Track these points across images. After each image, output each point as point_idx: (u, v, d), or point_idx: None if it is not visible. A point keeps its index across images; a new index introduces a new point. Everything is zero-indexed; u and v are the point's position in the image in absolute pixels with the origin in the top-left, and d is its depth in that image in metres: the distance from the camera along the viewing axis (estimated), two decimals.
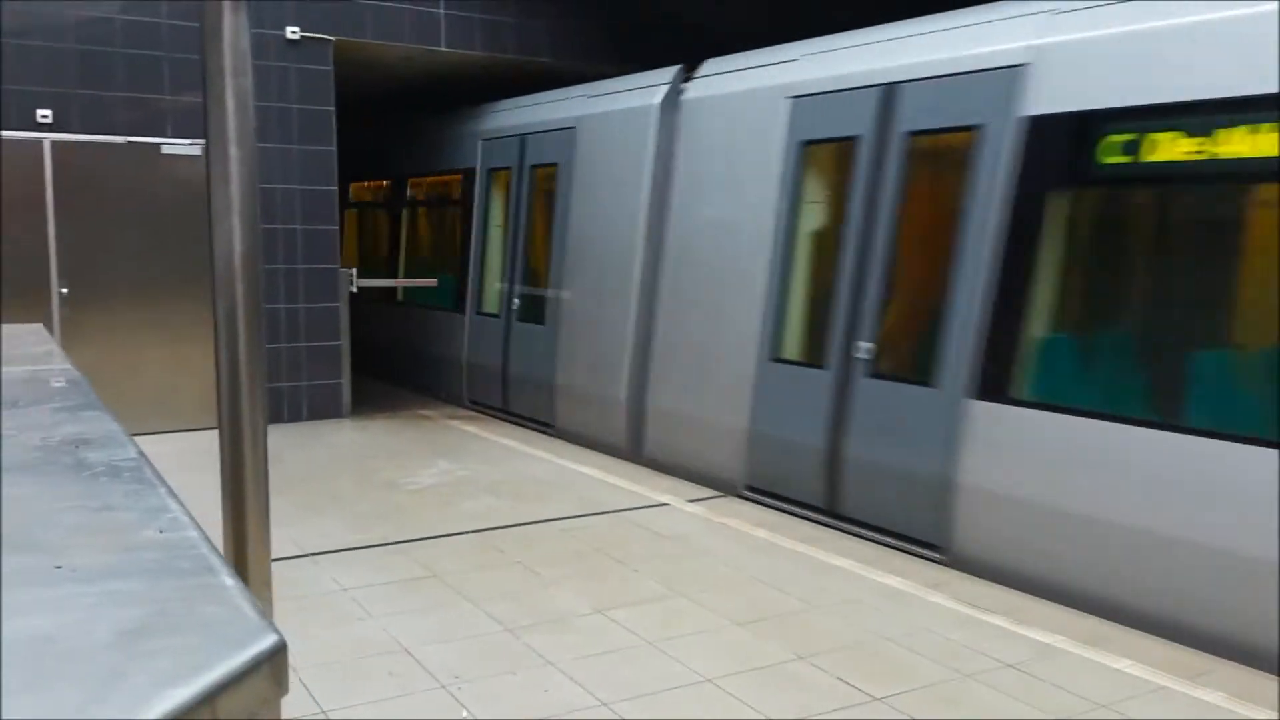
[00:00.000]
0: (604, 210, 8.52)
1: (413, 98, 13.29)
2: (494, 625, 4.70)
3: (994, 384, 5.43)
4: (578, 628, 4.69)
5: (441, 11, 9.73)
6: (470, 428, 9.40)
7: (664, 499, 6.92)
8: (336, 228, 9.66)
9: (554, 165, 9.23)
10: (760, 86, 7.13)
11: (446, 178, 11.34)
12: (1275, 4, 4.43)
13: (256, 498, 2.75)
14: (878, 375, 6.14)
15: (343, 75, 10.42)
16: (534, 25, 10.18)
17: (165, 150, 8.75)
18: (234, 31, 2.61)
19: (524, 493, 7.06)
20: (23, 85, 8.23)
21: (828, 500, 6.45)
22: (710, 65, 7.83)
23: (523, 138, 9.81)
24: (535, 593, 5.13)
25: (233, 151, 2.59)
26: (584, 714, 3.86)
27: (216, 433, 2.45)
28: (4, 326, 3.61)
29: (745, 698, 4.00)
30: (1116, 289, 5.17)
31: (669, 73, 8.10)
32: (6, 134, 8.20)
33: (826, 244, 6.65)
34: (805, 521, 6.36)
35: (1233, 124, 4.55)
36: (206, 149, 2.41)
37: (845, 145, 6.48)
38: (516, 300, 9.76)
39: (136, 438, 7.17)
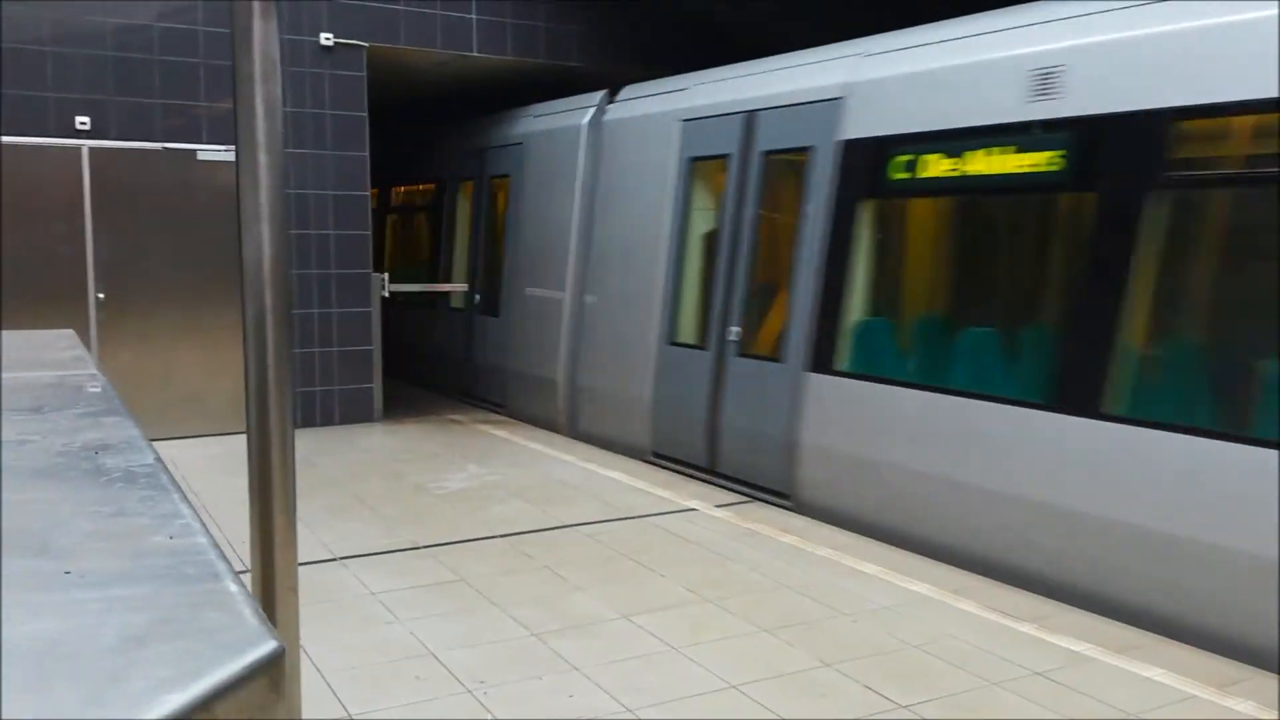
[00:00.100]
0: (545, 216, 9.71)
1: (449, 103, 13.38)
2: (520, 630, 4.72)
3: (822, 358, 6.62)
4: (603, 633, 4.70)
5: (473, 17, 9.80)
6: (500, 432, 9.44)
7: (691, 504, 6.91)
8: (369, 233, 9.74)
9: (507, 176, 10.53)
10: (661, 110, 8.39)
11: (433, 185, 12.55)
12: (1003, 54, 5.72)
13: (284, 501, 2.78)
14: (743, 354, 7.33)
15: (377, 80, 10.51)
16: (564, 29, 10.22)
17: (201, 156, 8.86)
18: (263, 38, 2.63)
19: (552, 497, 7.08)
20: (62, 92, 8.37)
21: (709, 461, 7.60)
22: (627, 91, 9.10)
23: (482, 151, 11.14)
24: (562, 597, 5.14)
25: (262, 158, 2.61)
26: None
27: None
28: (35, 332, 3.67)
29: (770, 705, 3.99)
30: (905, 280, 6.63)
31: (596, 97, 9.34)
32: (46, 141, 8.34)
33: (709, 244, 7.91)
34: (713, 488, 7.12)
35: (976, 147, 5.79)
36: (236, 155, 2.44)
37: (720, 162, 7.73)
38: (477, 296, 10.99)
39: (171, 441, 7.27)
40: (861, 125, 6.48)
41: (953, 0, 7.07)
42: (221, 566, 1.09)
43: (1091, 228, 5.24)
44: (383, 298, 9.96)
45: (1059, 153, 5.39)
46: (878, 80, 6.43)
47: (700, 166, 7.95)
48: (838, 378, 6.48)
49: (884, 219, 6.56)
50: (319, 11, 9.25)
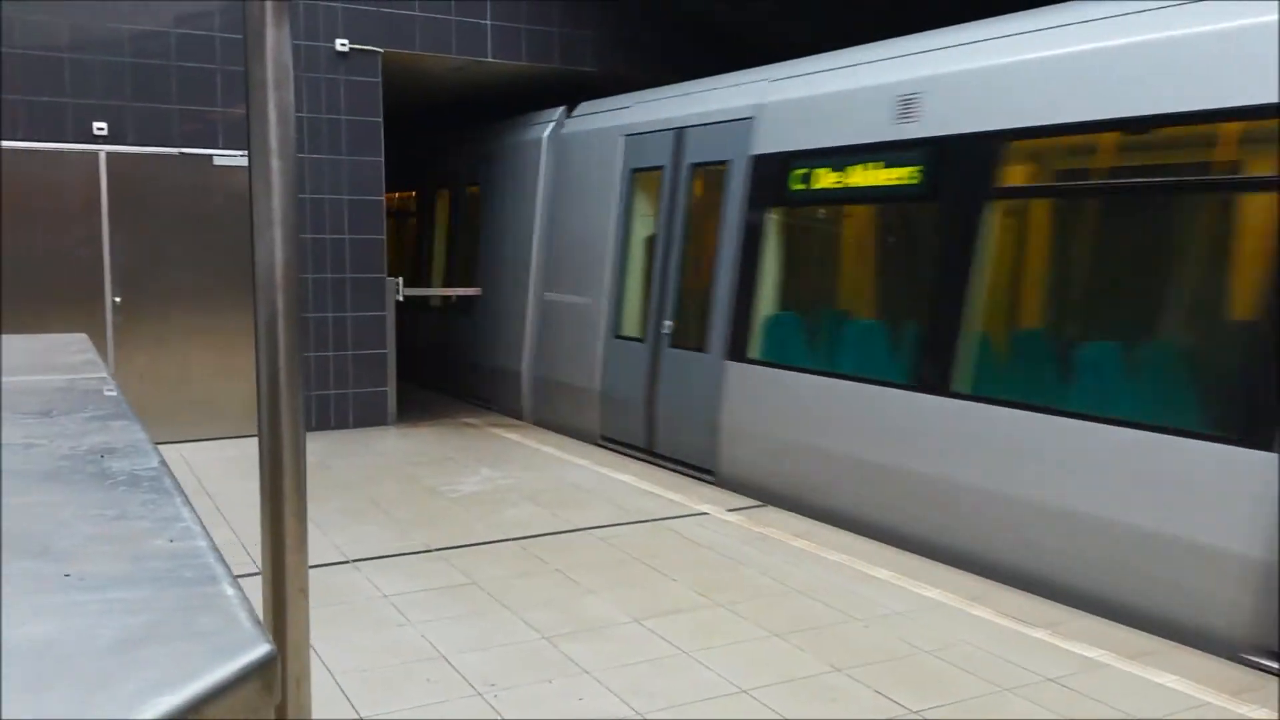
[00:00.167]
0: (511, 221, 10.60)
1: (462, 109, 13.43)
2: (531, 633, 4.73)
3: (738, 348, 7.50)
4: (614, 636, 4.70)
5: (488, 22, 9.83)
6: (513, 435, 9.46)
7: (703, 508, 6.91)
8: (383, 237, 9.79)
9: (478, 185, 11.44)
10: (608, 126, 9.31)
11: (414, 193, 13.60)
12: (877, 81, 6.59)
13: (295, 504, 2.79)
14: (675, 346, 8.22)
15: (392, 85, 10.56)
16: (578, 34, 10.25)
17: (217, 161, 8.92)
18: (276, 45, 2.64)
19: (564, 500, 7.09)
20: (80, 99, 8.44)
21: (648, 442, 8.51)
22: (582, 107, 9.99)
23: (457, 162, 12.01)
24: (573, 601, 5.15)
25: (274, 163, 2.62)
26: None
27: None
28: (47, 336, 3.70)
29: (781, 709, 3.99)
30: (802, 279, 7.39)
31: (557, 112, 10.21)
32: (64, 146, 8.41)
33: (649, 246, 8.78)
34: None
35: (865, 163, 6.60)
36: (249, 160, 2.46)
37: (656, 173, 8.62)
38: (454, 297, 11.80)
39: (188, 444, 7.29)
40: (767, 142, 7.38)
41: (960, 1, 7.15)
42: (220, 570, 1.10)
43: (941, 233, 6.15)
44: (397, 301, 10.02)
45: (917, 168, 6.26)
46: (780, 102, 7.34)
47: (640, 177, 8.85)
48: (750, 365, 7.41)
49: (785, 225, 7.42)
50: (334, 17, 9.30)
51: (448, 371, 12.01)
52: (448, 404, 11.27)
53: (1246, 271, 4.82)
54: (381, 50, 9.49)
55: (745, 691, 4.14)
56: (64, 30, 8.35)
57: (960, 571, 5.63)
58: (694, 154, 8.16)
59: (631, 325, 8.84)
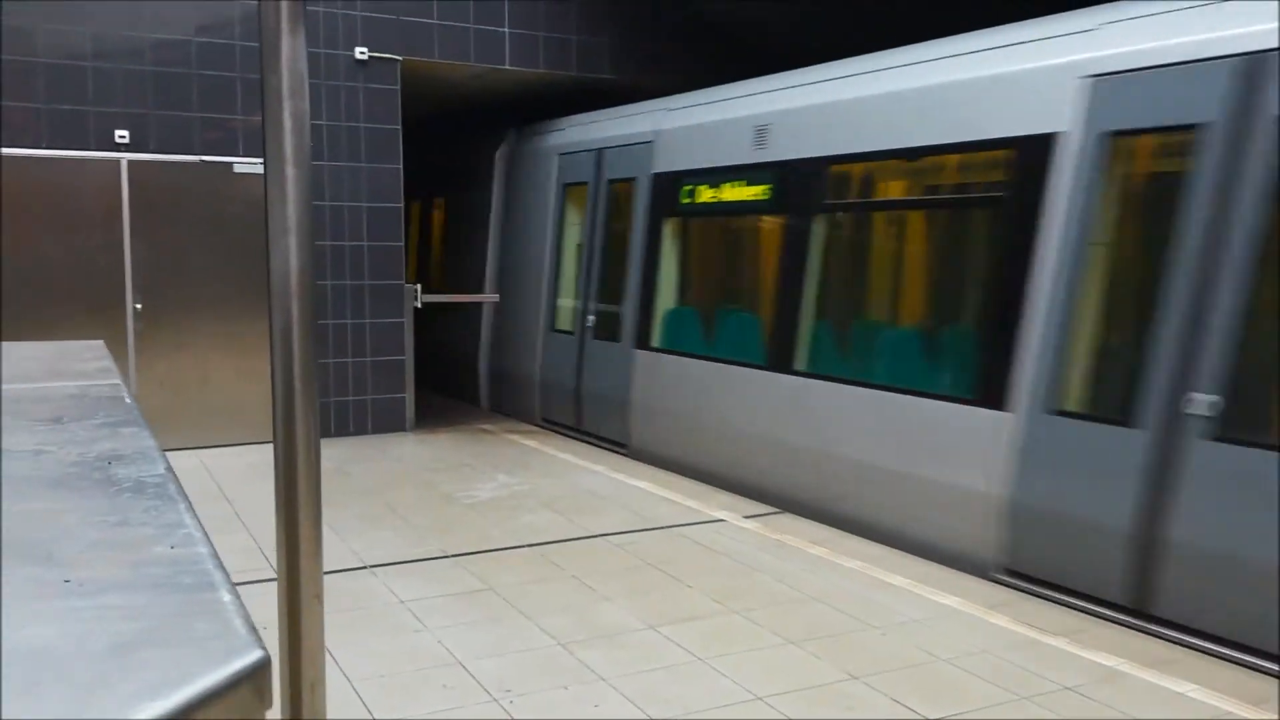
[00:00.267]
0: (472, 230, 11.92)
1: (479, 116, 13.48)
2: (547, 639, 4.73)
3: (643, 338, 8.86)
4: (630, 643, 4.70)
5: (506, 30, 9.87)
6: (530, 442, 9.47)
7: (719, 514, 6.90)
8: (402, 244, 9.83)
9: (444, 197, 12.88)
10: (546, 145, 10.63)
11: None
12: (742, 114, 7.88)
13: (310, 509, 2.80)
14: (597, 337, 9.53)
15: (410, 94, 10.62)
16: (596, 42, 10.28)
17: (237, 169, 8.99)
18: (291, 54, 2.65)
19: (581, 507, 7.10)
20: (101, 107, 8.52)
21: (576, 421, 9.86)
22: (530, 128, 11.17)
23: (428, 175, 13.34)
24: (589, 607, 5.15)
25: (290, 171, 2.64)
26: None
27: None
28: (64, 343, 3.73)
29: (796, 717, 3.97)
30: (688, 279, 8.70)
31: (513, 132, 11.41)
32: (86, 154, 8.49)
33: (578, 252, 10.09)
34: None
35: (732, 181, 7.92)
36: (264, 168, 2.48)
37: (583, 187, 9.92)
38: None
39: (208, 450, 7.32)
40: (662, 163, 8.74)
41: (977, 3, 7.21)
42: (218, 576, 1.10)
43: (785, 240, 7.41)
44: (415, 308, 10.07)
45: (769, 186, 7.55)
46: (671, 129, 8.73)
47: (571, 190, 10.18)
48: (651, 352, 8.76)
49: (676, 233, 8.73)
50: (354, 25, 9.36)
51: (420, 363, 12.88)
52: (465, 411, 11.31)
53: (985, 268, 6.00)
54: (400, 58, 9.54)
55: (761, 699, 4.12)
56: (86, 39, 8.43)
57: (979, 580, 5.60)
58: (611, 171, 9.49)
59: (564, 320, 10.18)
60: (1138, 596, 5.04)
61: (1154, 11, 5.27)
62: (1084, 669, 4.42)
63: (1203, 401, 4.79)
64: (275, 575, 2.96)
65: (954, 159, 6.20)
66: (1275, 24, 4.66)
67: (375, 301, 9.70)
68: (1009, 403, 5.66)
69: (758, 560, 5.93)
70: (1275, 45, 4.63)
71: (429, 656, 4.53)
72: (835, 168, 6.99)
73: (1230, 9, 4.90)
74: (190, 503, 1.45)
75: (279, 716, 2.37)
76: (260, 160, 8.95)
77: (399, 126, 9.67)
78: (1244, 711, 4.01)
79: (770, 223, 7.63)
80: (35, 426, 2.00)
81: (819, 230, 7.13)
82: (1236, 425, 4.69)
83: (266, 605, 4.93)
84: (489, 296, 11.28)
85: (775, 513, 6.99)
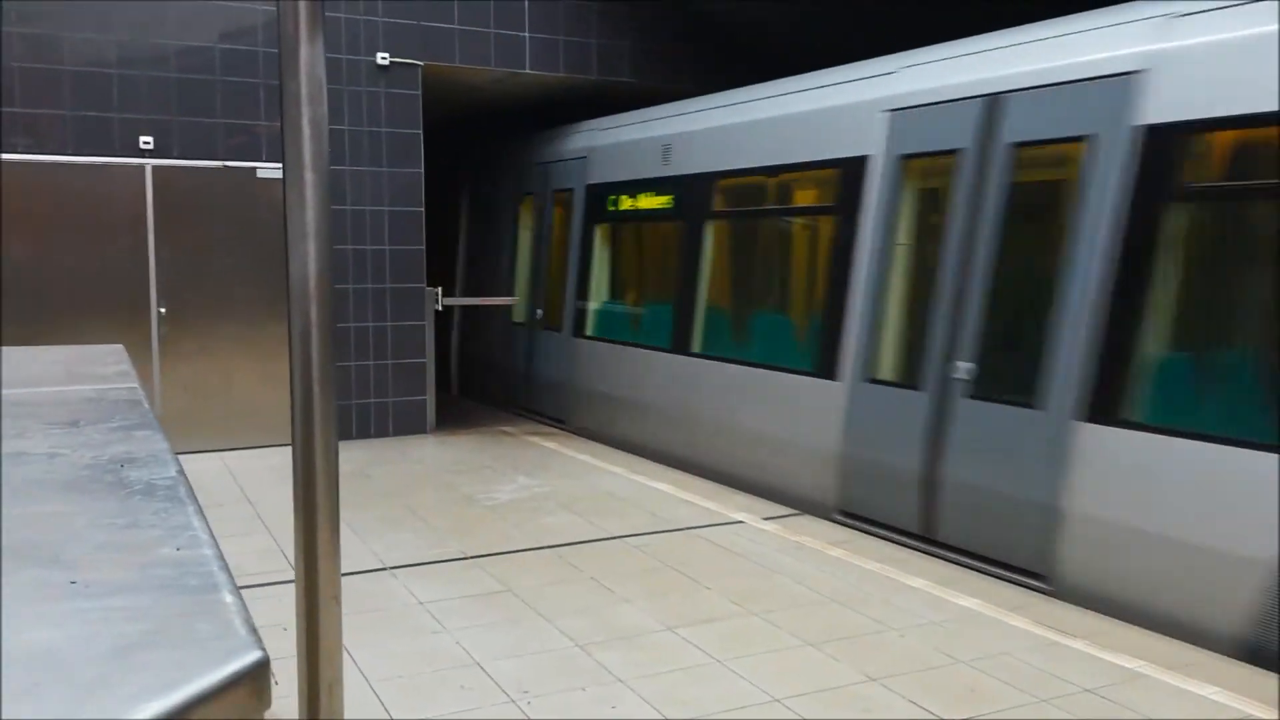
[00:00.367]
0: (442, 234, 13.40)
1: (499, 120, 13.53)
2: (565, 641, 4.74)
3: (579, 327, 10.22)
4: (648, 645, 4.71)
5: (526, 34, 9.91)
6: (550, 444, 9.50)
7: (739, 516, 6.90)
8: (423, 248, 9.88)
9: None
10: (508, 158, 12.10)
11: None
12: (653, 134, 9.24)
13: (327, 511, 2.82)
14: (545, 328, 10.94)
15: (431, 98, 10.67)
16: (616, 46, 10.30)
17: (260, 174, 9.06)
18: (310, 60, 2.68)
19: (600, 508, 7.11)
20: (126, 113, 8.61)
21: (525, 402, 11.32)
22: (494, 144, 12.68)
23: None
24: (607, 609, 5.16)
25: (308, 176, 2.66)
26: None
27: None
28: (84, 347, 3.78)
29: (814, 719, 3.97)
30: (614, 276, 10.02)
31: (479, 146, 13.08)
32: (111, 160, 8.59)
33: (531, 253, 11.46)
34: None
35: (645, 192, 9.25)
36: (283, 173, 2.51)
37: (534, 196, 11.42)
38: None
39: (232, 452, 7.37)
40: (594, 176, 10.06)
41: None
42: (222, 578, 1.12)
43: (683, 243, 8.72)
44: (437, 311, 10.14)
45: (671, 196, 8.89)
46: (601, 145, 10.02)
47: (525, 199, 11.64)
48: (586, 340, 10.07)
49: (604, 237, 10.04)
50: (375, 31, 9.42)
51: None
52: (486, 413, 11.35)
53: (822, 266, 7.25)
54: (421, 63, 9.60)
55: (778, 700, 4.13)
56: (112, 46, 8.53)
57: (999, 582, 5.58)
58: (555, 183, 10.86)
59: (519, 314, 11.61)
60: (927, 525, 6.24)
61: (934, 59, 6.56)
62: (1104, 671, 4.40)
63: (963, 368, 6.03)
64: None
65: (799, 176, 7.56)
66: (1012, 70, 5.89)
67: (396, 304, 9.76)
68: (839, 374, 6.95)
69: (776, 562, 5.92)
70: (1010, 89, 5.87)
71: (447, 657, 4.55)
72: (716, 182, 8.32)
73: (990, 57, 6.13)
74: (199, 505, 1.47)
75: (297, 716, 2.40)
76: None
77: (420, 131, 9.73)
78: (1266, 714, 3.98)
79: (672, 228, 8.98)
80: (51, 430, 2.03)
81: (704, 233, 8.50)
82: (986, 386, 5.93)
83: (287, 607, 4.96)
84: (507, 299, 11.32)
85: (794, 514, 6.98)
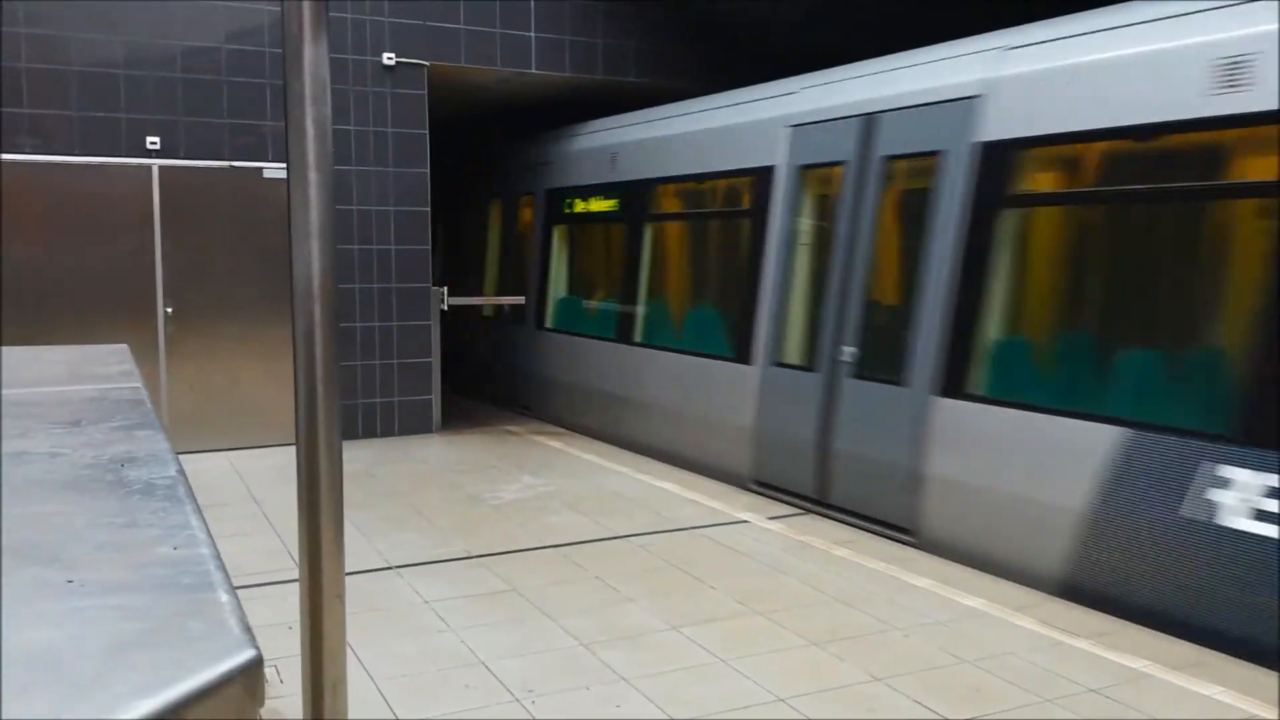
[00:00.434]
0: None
1: (505, 119, 13.54)
2: (570, 640, 4.75)
3: (541, 321, 11.15)
4: (652, 644, 4.71)
5: (532, 34, 9.92)
6: (555, 443, 9.51)
7: (743, 516, 6.90)
8: (429, 247, 9.89)
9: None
10: (484, 163, 13.10)
11: None
12: (601, 143, 10.17)
13: (331, 511, 2.83)
14: (511, 322, 11.81)
15: (436, 98, 10.68)
16: (622, 46, 10.30)
17: (267, 174, 9.08)
18: (314, 62, 2.69)
19: (605, 508, 7.12)
20: (133, 113, 8.63)
21: (500, 393, 12.08)
22: (473, 150, 13.66)
23: None
24: (612, 608, 5.17)
25: (312, 176, 2.66)
26: None
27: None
28: (89, 347, 3.79)
29: (818, 719, 3.97)
30: (572, 272, 10.86)
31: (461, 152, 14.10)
32: (118, 160, 8.61)
33: (500, 252, 12.54)
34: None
35: (595, 196, 10.14)
36: (287, 173, 2.51)
37: (498, 200, 12.53)
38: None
39: (238, 452, 7.39)
40: (552, 180, 10.98)
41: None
42: (218, 577, 1.12)
43: (628, 242, 9.54)
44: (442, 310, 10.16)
45: (618, 199, 9.73)
46: (560, 154, 10.90)
47: (494, 203, 12.70)
48: (548, 332, 10.95)
49: (562, 236, 10.94)
50: (382, 31, 9.43)
51: None
52: (491, 412, 11.36)
53: (740, 263, 8.09)
54: (427, 63, 9.61)
55: (783, 700, 4.13)
56: (119, 47, 8.55)
57: (1004, 581, 5.57)
58: (513, 189, 11.97)
59: (489, 310, 12.47)
60: (821, 491, 7.00)
61: (828, 80, 7.37)
62: (1109, 671, 4.39)
63: (848, 351, 6.85)
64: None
65: (722, 183, 8.43)
66: (885, 92, 6.73)
67: (402, 304, 9.77)
68: (752, 359, 7.78)
69: (781, 561, 5.92)
70: (881, 109, 6.71)
71: (452, 657, 4.56)
72: (653, 187, 9.17)
73: (872, 80, 6.93)
74: (198, 504, 1.48)
75: (301, 715, 2.40)
76: None
77: (426, 131, 9.74)
78: (1269, 713, 3.97)
79: (618, 229, 9.82)
80: (53, 429, 2.04)
81: (643, 234, 9.34)
82: (865, 367, 6.75)
83: (291, 606, 4.97)
84: (515, 299, 11.32)
85: (799, 514, 6.98)
